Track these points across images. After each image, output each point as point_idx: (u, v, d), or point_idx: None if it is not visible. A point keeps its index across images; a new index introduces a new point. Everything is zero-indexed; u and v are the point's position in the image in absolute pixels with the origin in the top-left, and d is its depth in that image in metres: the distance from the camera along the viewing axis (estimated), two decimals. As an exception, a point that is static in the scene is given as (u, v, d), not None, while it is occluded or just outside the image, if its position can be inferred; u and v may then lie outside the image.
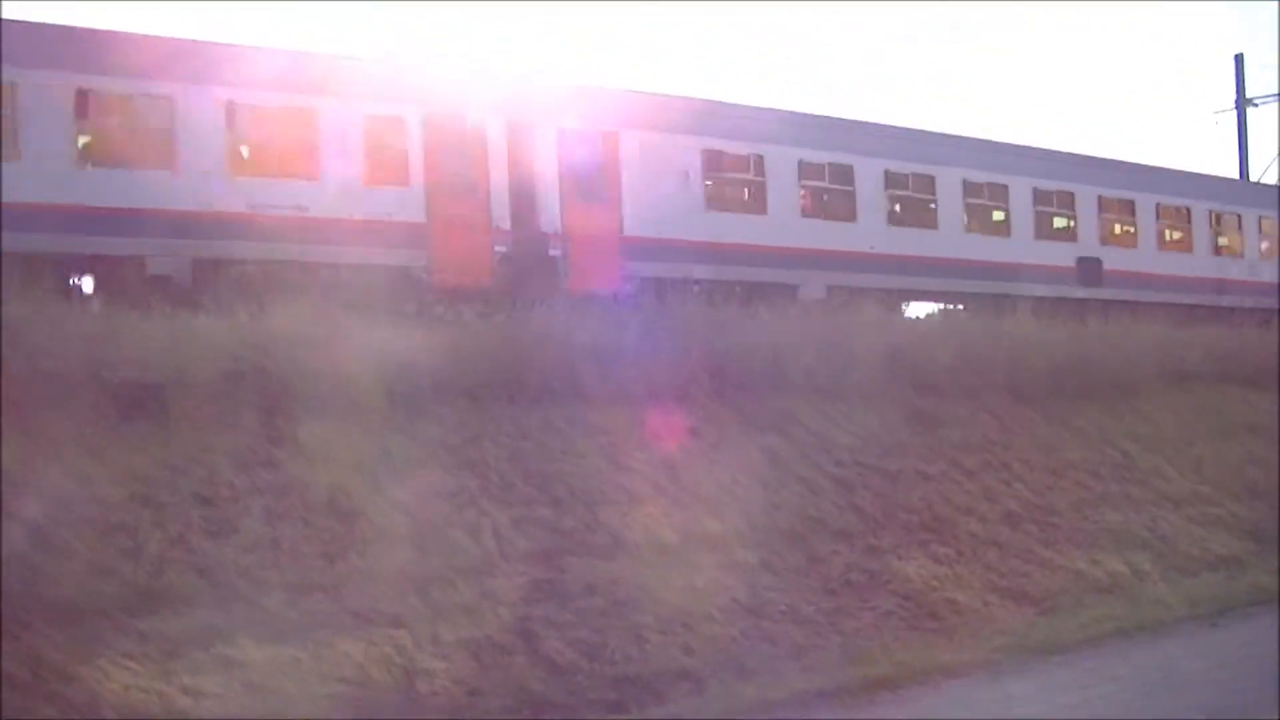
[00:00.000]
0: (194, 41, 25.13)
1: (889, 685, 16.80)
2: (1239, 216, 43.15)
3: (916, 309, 33.69)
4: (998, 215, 36.62)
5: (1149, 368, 29.09)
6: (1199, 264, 40.80)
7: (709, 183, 31.47)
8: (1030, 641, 18.79)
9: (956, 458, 23.40)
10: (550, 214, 28.44)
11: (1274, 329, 35.27)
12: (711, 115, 31.81)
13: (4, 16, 22.66)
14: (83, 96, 23.35)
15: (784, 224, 31.84)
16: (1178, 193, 41.22)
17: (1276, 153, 57.74)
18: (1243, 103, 57.01)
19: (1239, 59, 57.62)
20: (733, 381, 22.23)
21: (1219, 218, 42.40)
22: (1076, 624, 19.81)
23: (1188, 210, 41.24)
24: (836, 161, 33.01)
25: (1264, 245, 42.53)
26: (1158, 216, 40.12)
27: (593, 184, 29.30)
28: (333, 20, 75.29)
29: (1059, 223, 38.02)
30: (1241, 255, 42.44)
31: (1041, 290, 35.24)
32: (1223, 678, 17.29)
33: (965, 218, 35.66)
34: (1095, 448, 25.97)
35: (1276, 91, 58.32)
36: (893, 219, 34.17)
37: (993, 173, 36.27)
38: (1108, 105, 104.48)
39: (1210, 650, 18.90)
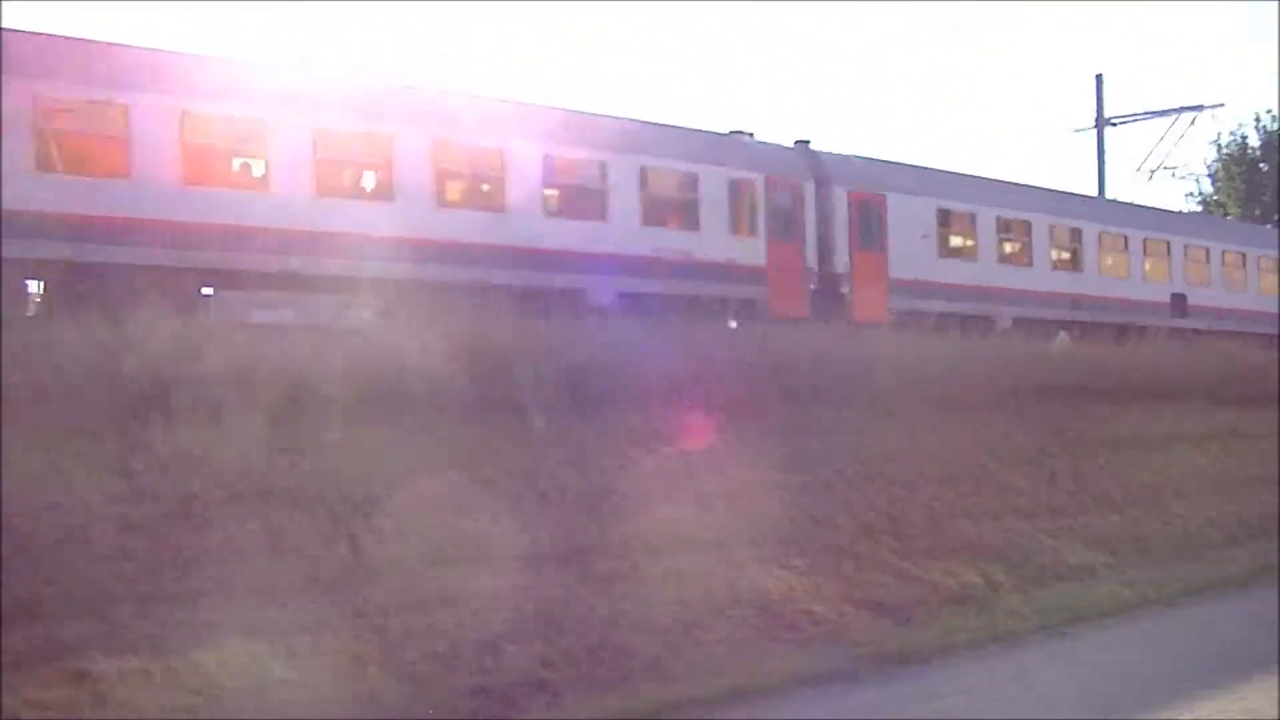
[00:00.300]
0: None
1: (744, 695, 16.87)
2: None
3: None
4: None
5: (1007, 381, 29.40)
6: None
7: (940, 236, 38.34)
8: (886, 651, 18.92)
9: (815, 470, 23.51)
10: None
11: (1131, 343, 36.18)
12: (945, 182, 39.25)
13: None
14: None
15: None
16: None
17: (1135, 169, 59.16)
18: (1101, 122, 57.99)
19: (1099, 79, 58.73)
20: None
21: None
22: (932, 634, 19.96)
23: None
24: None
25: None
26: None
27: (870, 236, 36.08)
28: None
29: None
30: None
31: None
32: (1075, 688, 17.54)
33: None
34: (951, 460, 26.20)
35: (1134, 112, 59.56)
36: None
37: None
38: (970, 121, 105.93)
39: (1063, 659, 19.16)
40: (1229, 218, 69.39)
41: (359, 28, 78.02)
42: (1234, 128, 74.85)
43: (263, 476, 17.17)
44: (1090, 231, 42.67)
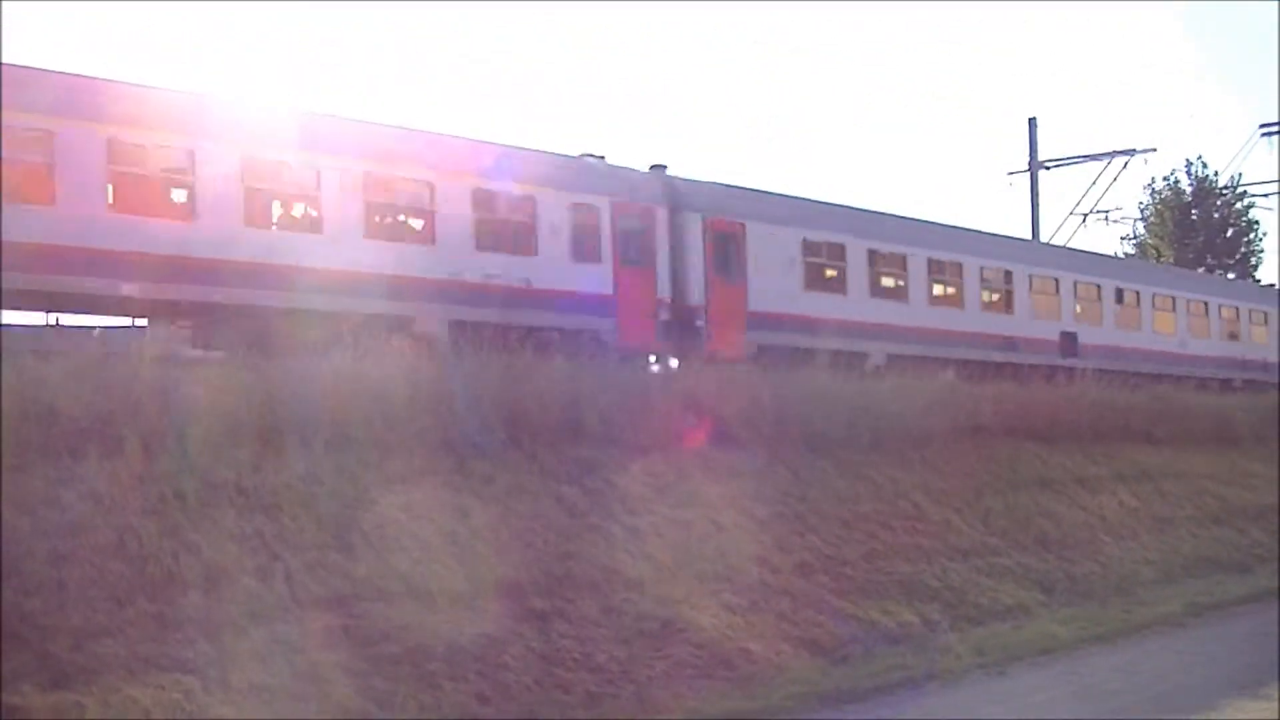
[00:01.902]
0: None
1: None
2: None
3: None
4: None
5: (940, 420, 29.50)
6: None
7: (807, 268, 36.36)
8: (822, 689, 18.94)
9: (750, 508, 23.52)
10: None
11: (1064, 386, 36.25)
12: (811, 212, 37.58)
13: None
14: None
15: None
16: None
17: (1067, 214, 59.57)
18: (1035, 165, 58.46)
19: (1032, 123, 59.25)
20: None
21: None
22: (868, 672, 20.01)
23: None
24: None
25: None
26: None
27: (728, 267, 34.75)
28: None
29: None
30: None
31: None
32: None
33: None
34: (887, 499, 26.27)
35: (1067, 155, 60.09)
36: None
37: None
38: (906, 163, 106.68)
39: (1000, 697, 19.21)
40: (1161, 261, 69.99)
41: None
42: (1167, 173, 75.57)
43: None
44: (972, 266, 41.06)
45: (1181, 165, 75.76)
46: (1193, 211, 74.46)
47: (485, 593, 18.46)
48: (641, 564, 20.73)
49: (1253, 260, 74.97)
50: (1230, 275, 70.43)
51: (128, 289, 24.35)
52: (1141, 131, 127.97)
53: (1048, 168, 59.23)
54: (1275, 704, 17.77)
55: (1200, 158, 77.62)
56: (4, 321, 24.71)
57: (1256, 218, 75.06)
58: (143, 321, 26.55)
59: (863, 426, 27.28)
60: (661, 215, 33.16)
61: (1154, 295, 48.51)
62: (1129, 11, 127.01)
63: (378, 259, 27.48)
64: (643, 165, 35.33)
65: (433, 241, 28.90)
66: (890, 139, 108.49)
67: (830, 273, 37.22)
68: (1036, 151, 58.66)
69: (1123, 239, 75.39)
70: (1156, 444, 35.05)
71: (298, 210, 28.00)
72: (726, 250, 34.31)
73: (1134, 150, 59.01)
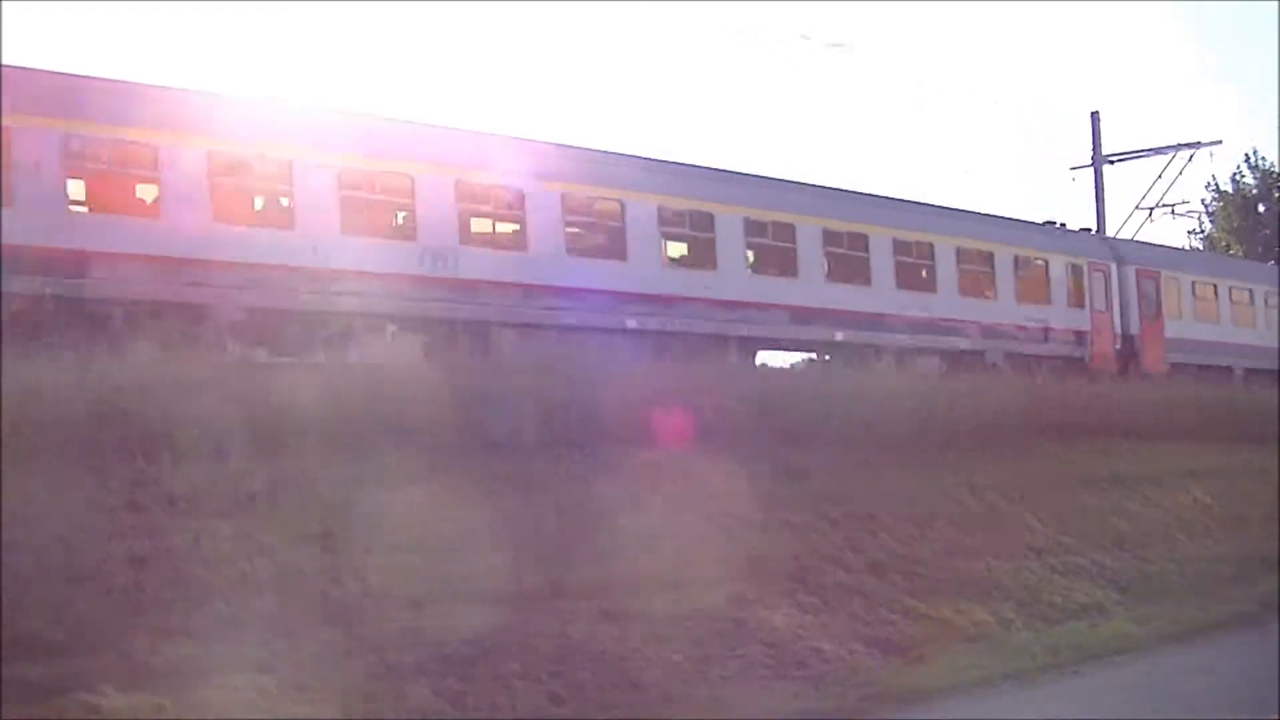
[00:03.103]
0: None
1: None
2: None
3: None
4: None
5: (1014, 419, 29.33)
6: None
7: None
8: (895, 689, 18.79)
9: (822, 508, 23.41)
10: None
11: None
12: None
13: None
14: None
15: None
16: None
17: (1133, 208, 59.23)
18: (1099, 159, 57.98)
19: (1095, 117, 58.68)
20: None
21: None
22: (941, 672, 19.80)
23: None
24: None
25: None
26: None
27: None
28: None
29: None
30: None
31: None
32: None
33: None
34: (959, 498, 26.10)
35: (1132, 149, 59.65)
36: None
37: None
38: (972, 158, 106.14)
39: (1076, 697, 19.00)
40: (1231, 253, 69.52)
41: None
42: (1233, 166, 74.89)
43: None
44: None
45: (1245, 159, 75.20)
46: (1259, 205, 73.83)
47: (560, 592, 18.46)
48: (714, 564, 20.64)
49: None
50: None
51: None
52: (1207, 125, 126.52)
53: (1111, 162, 58.71)
54: (1360, 704, 17.51)
55: (1255, 150, 76.79)
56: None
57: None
58: None
59: (935, 424, 27.15)
60: (1113, 270, 44.33)
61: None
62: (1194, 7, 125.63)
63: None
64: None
65: (992, 295, 40.37)
66: (950, 137, 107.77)
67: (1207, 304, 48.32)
68: (1100, 146, 58.18)
69: (1190, 233, 74.85)
70: (1230, 441, 34.66)
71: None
72: (1147, 291, 45.22)
73: (1199, 143, 58.34)
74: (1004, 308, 40.22)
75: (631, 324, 31.03)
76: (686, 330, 31.94)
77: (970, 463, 27.40)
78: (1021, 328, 40.39)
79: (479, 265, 29.43)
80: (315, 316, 26.84)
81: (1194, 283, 48.05)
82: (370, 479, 18.60)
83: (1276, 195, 73.70)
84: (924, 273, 38.55)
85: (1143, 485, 30.81)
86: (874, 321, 35.89)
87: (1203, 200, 74.28)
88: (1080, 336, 42.79)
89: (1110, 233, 54.78)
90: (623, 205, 32.04)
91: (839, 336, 34.74)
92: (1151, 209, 59.24)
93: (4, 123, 23.48)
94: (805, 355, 35.27)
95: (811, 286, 35.23)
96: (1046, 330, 41.27)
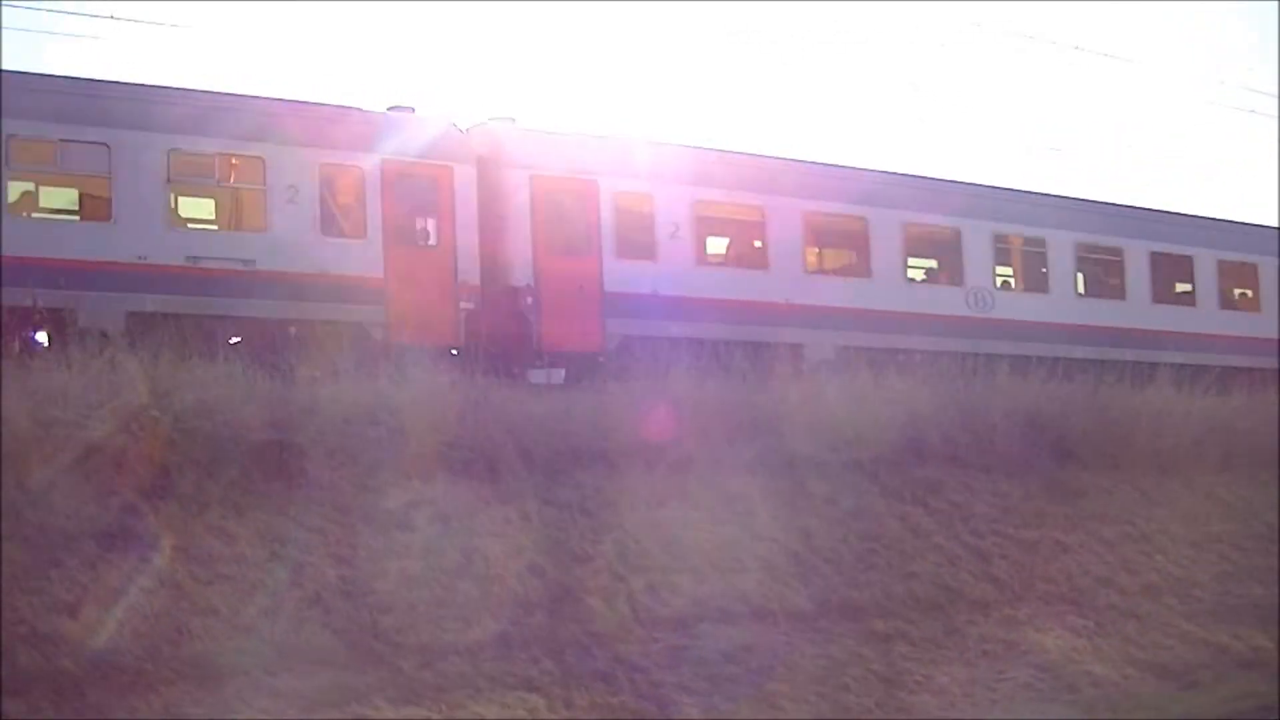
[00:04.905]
0: None
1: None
2: None
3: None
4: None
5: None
6: None
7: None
8: (1170, 716, 18.56)
9: (1095, 529, 23.16)
10: None
11: None
12: None
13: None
14: None
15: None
16: None
17: None
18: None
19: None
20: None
21: None
22: (1218, 699, 19.46)
23: None
24: None
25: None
26: None
27: None
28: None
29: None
30: None
31: None
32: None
33: None
34: (1239, 520, 25.54)
35: None
36: None
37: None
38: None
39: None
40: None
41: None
42: None
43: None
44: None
45: None
46: None
47: (827, 613, 18.61)
48: (985, 585, 20.60)
49: None
50: None
51: None
52: None
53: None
54: None
55: None
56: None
57: None
58: None
59: (1211, 444, 26.59)
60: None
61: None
62: None
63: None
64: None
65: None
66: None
67: None
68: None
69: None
70: None
71: None
72: None
73: None
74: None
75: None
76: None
77: (1248, 483, 26.74)
78: None
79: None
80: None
81: None
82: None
83: None
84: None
85: None
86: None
87: None
88: None
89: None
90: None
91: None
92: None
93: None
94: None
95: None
96: None
